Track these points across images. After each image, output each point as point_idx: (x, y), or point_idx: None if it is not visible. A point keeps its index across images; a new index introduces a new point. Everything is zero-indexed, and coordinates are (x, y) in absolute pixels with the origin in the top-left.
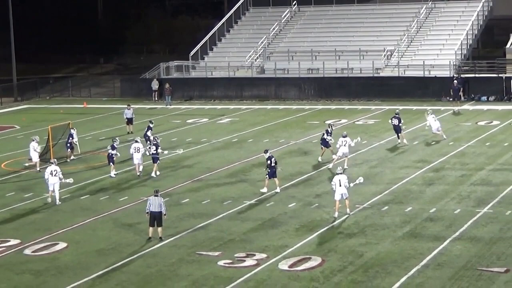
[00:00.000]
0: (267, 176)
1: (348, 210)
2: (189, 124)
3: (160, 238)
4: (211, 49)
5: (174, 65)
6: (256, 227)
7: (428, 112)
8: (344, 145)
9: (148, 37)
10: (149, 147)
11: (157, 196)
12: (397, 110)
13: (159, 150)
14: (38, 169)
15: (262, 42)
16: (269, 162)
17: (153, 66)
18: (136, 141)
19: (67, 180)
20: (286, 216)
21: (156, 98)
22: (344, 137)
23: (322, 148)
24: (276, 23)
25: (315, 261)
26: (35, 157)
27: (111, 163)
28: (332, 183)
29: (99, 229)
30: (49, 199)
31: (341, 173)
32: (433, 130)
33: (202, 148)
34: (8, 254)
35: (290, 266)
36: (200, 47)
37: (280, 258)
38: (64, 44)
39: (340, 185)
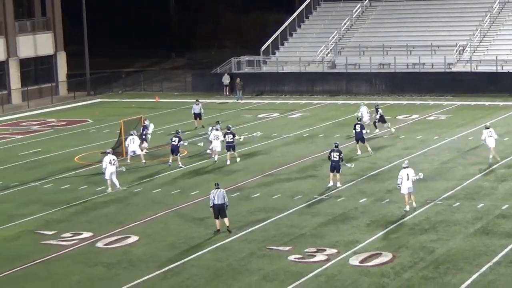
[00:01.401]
0: (335, 170)
1: (414, 204)
2: (260, 118)
3: (228, 229)
4: (282, 44)
5: (245, 60)
6: (327, 222)
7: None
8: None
9: (220, 32)
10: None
11: (218, 188)
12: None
13: (236, 137)
14: (143, 161)
15: (333, 37)
16: (329, 154)
17: (224, 61)
18: (216, 129)
19: (120, 169)
20: (357, 211)
21: (227, 93)
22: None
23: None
24: (348, 17)
25: (385, 256)
26: (138, 150)
27: (177, 154)
28: (399, 176)
29: (170, 222)
30: (109, 189)
31: (408, 167)
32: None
33: (273, 143)
34: (81, 247)
35: (361, 262)
36: (271, 42)
37: (351, 253)
38: (137, 39)
39: (408, 179)
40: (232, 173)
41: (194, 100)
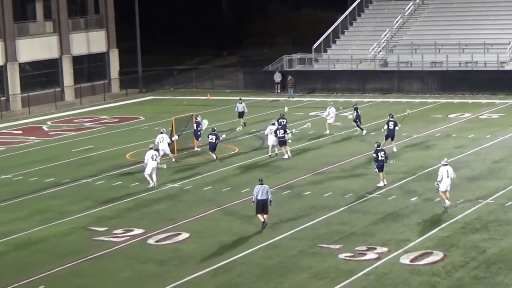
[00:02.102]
0: (377, 170)
1: (449, 202)
2: (311, 116)
3: (264, 222)
4: (334, 42)
5: (297, 58)
6: (378, 221)
7: None
8: None
9: (271, 30)
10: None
11: (262, 184)
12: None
13: (288, 132)
14: (173, 159)
15: (385, 35)
16: (375, 155)
17: (276, 58)
18: (273, 124)
19: (162, 166)
20: (408, 210)
21: (278, 91)
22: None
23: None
24: (400, 15)
25: (436, 255)
26: (167, 149)
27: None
28: (439, 173)
29: (220, 220)
30: (151, 184)
31: (447, 164)
32: None
33: (324, 141)
34: (132, 243)
35: (412, 261)
36: (323, 39)
37: (402, 252)
38: (188, 37)
39: (448, 176)
40: (283, 171)
41: (238, 99)
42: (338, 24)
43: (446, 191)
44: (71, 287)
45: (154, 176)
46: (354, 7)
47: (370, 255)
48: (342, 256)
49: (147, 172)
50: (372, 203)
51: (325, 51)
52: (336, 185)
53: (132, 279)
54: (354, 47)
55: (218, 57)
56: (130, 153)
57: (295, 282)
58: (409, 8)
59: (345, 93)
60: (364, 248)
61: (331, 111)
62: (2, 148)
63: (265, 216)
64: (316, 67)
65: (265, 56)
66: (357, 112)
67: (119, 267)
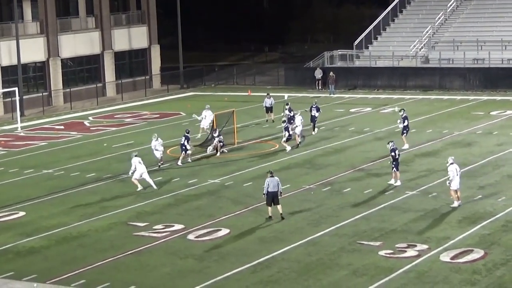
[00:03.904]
0: (394, 168)
1: (458, 202)
2: (352, 113)
3: (282, 216)
4: (375, 38)
5: (338, 54)
6: (418, 218)
7: None
8: None
9: (313, 26)
10: None
11: (273, 176)
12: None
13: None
14: (189, 159)
15: (427, 32)
16: (393, 154)
17: (317, 55)
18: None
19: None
20: (448, 207)
21: (319, 87)
22: None
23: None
24: (442, 12)
25: (477, 253)
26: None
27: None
28: (450, 172)
29: (261, 216)
30: (139, 188)
31: (453, 163)
32: None
33: (365, 138)
34: (173, 239)
35: (452, 258)
36: (365, 36)
37: (442, 249)
38: (230, 33)
39: (457, 174)
40: (323, 167)
41: (265, 94)
42: (379, 20)
43: (457, 189)
44: (112, 281)
45: (149, 180)
46: (396, 3)
47: (410, 253)
48: (382, 253)
49: (135, 177)
50: (413, 200)
51: (367, 47)
52: (376, 182)
53: (172, 274)
54: (395, 43)
55: (259, 53)
56: (171, 148)
57: (335, 279)
58: (451, 5)
59: (386, 90)
60: (404, 245)
61: (207, 114)
62: (44, 143)
63: (278, 207)
64: (357, 63)
65: (306, 52)
66: (316, 111)
67: (159, 262)
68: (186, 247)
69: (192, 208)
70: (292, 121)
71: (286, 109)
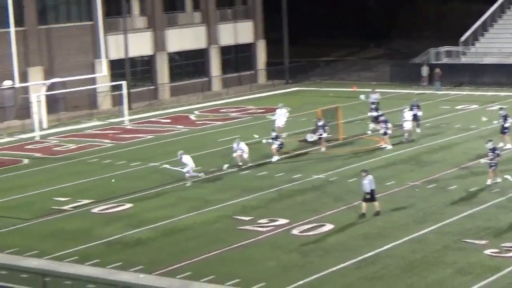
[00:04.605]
0: (493, 167)
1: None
2: (458, 110)
3: (378, 212)
4: (482, 35)
5: (444, 51)
6: None
7: None
8: None
9: (418, 22)
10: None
11: (367, 175)
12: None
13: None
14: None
15: None
16: (491, 154)
17: (422, 51)
18: (411, 109)
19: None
20: None
21: (425, 84)
22: None
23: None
24: None
25: None
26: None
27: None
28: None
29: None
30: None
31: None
32: None
33: (471, 135)
34: (277, 233)
35: None
36: (471, 32)
37: None
38: (335, 28)
39: None
40: (428, 164)
41: (371, 90)
42: (487, 16)
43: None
44: (217, 274)
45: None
46: None
47: None
48: (487, 252)
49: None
50: None
51: (473, 44)
52: (482, 180)
53: (276, 268)
54: (503, 40)
55: (364, 49)
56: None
57: (439, 277)
58: None
59: (493, 87)
60: (511, 244)
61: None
62: (151, 137)
63: (374, 204)
64: (464, 60)
65: (411, 48)
66: (418, 109)
67: (264, 256)
68: (290, 242)
69: (297, 203)
70: (378, 119)
71: (372, 108)
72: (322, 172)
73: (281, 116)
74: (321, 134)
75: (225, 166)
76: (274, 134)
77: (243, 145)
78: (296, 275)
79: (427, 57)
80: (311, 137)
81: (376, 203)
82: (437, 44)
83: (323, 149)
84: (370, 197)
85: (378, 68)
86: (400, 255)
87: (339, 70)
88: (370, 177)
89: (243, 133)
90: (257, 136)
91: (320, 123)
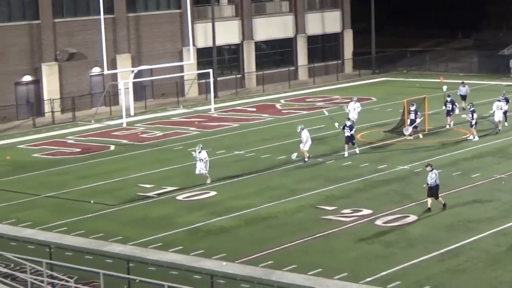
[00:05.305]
0: None
1: None
2: None
3: (444, 205)
4: None
5: None
6: None
7: None
8: None
9: (508, 12)
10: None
11: (432, 170)
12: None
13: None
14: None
15: None
16: None
17: (511, 43)
18: (499, 100)
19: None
20: None
21: None
22: None
23: None
24: None
25: None
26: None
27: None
28: None
29: (449, 204)
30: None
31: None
32: None
33: None
34: (360, 224)
35: None
36: None
37: None
38: (423, 19)
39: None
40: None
41: (461, 82)
42: None
43: None
44: (299, 263)
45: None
46: None
47: None
48: None
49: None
50: None
51: None
52: None
53: (358, 258)
54: None
55: (452, 39)
56: (362, 133)
57: None
58: None
59: None
60: None
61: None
62: (236, 125)
63: (439, 199)
64: None
65: (500, 39)
66: (506, 102)
67: (346, 246)
68: (373, 233)
69: (381, 193)
70: (451, 113)
71: (448, 101)
72: (407, 163)
73: (354, 110)
74: (416, 125)
75: (294, 155)
76: (348, 123)
77: (305, 133)
78: (378, 265)
79: None
80: (406, 130)
81: (440, 199)
82: None
83: (420, 135)
84: (434, 192)
85: (466, 59)
86: (485, 248)
87: (427, 61)
88: (435, 171)
89: (328, 123)
90: (327, 113)
91: (413, 108)
